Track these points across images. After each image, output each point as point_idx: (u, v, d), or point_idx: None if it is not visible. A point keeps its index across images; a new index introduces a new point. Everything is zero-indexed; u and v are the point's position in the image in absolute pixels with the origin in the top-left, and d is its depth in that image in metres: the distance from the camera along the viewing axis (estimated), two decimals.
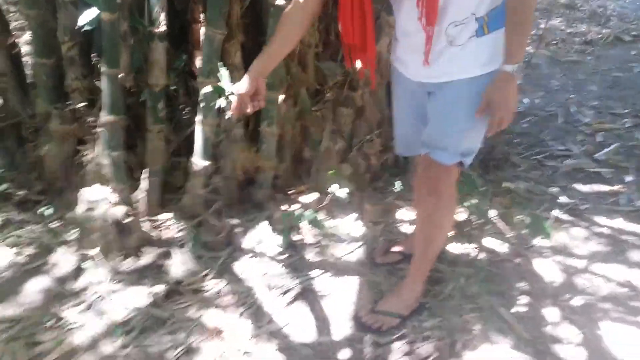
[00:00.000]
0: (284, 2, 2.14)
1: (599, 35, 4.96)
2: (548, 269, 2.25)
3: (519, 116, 3.55)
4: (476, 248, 2.34)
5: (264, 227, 2.35)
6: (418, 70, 1.72)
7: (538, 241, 2.39)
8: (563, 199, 2.71)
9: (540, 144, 3.24)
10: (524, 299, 2.09)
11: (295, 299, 2.08)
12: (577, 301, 2.08)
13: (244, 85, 1.73)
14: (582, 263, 2.30)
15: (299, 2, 1.66)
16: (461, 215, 2.48)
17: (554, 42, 4.83)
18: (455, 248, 2.34)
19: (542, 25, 4.92)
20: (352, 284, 2.15)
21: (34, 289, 2.10)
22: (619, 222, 2.56)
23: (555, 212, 2.59)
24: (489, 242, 2.38)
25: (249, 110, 1.74)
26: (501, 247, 2.36)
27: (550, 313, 2.03)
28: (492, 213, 2.52)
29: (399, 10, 1.68)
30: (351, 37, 1.71)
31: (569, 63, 4.41)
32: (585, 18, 5.40)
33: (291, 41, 1.75)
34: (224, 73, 2.14)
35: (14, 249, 2.27)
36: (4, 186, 2.45)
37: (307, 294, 2.10)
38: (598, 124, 3.48)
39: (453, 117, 1.68)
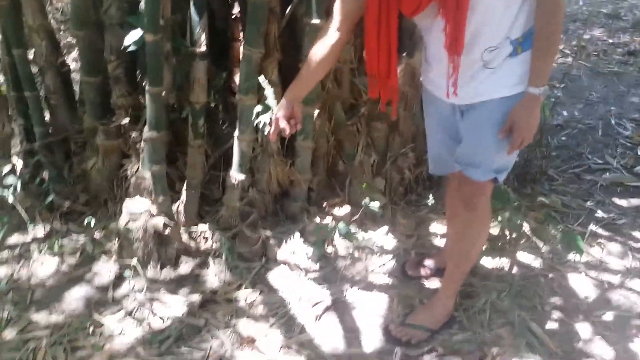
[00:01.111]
0: (319, 21, 2.20)
1: None
2: (582, 285, 2.24)
3: (557, 129, 3.52)
4: (509, 262, 2.34)
5: (297, 239, 2.40)
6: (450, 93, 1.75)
7: (573, 256, 2.37)
8: (600, 213, 2.68)
9: (579, 157, 3.20)
10: (556, 314, 2.08)
11: (327, 310, 2.13)
12: (610, 317, 2.07)
13: (280, 109, 1.80)
14: (617, 279, 2.27)
15: (331, 31, 1.71)
16: (494, 229, 2.48)
17: (595, 53, 4.75)
18: (488, 262, 2.34)
19: (584, 36, 4.87)
20: (383, 296, 2.19)
21: (76, 296, 2.21)
22: None
23: (592, 227, 2.56)
24: (522, 256, 2.38)
25: (286, 132, 1.81)
26: (534, 261, 2.36)
27: (583, 329, 2.02)
28: (527, 227, 2.51)
29: (429, 34, 1.69)
30: (376, 68, 1.74)
31: (610, 74, 4.33)
32: (629, 28, 5.29)
33: (323, 68, 1.80)
34: (269, 91, 2.22)
35: (58, 258, 2.39)
36: (51, 197, 2.58)
37: (339, 306, 2.15)
38: (638, 137, 3.41)
39: (486, 136, 1.70)
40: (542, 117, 3.01)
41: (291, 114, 1.82)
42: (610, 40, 4.97)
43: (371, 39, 1.68)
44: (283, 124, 1.79)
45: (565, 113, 3.73)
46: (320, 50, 1.74)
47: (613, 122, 3.61)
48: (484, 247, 2.26)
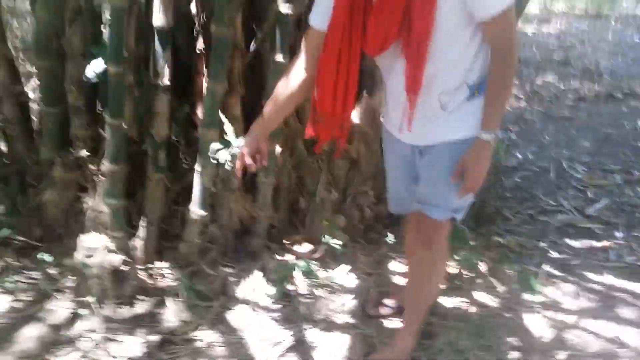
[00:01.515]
0: (283, 59, 2.24)
1: (592, 92, 5.09)
2: (538, 324, 2.28)
3: (512, 170, 3.62)
4: (467, 302, 2.37)
5: (257, 276, 2.38)
6: (407, 133, 1.75)
7: (529, 296, 2.42)
8: (554, 253, 2.76)
9: (532, 199, 3.30)
10: (513, 354, 2.10)
11: (288, 351, 2.09)
12: (564, 356, 2.10)
13: (246, 145, 1.80)
14: (572, 318, 2.32)
15: (298, 67, 1.72)
16: (452, 268, 2.51)
17: (548, 98, 4.95)
18: (446, 301, 2.36)
19: (537, 82, 5.08)
20: (344, 336, 2.17)
21: (29, 335, 2.11)
22: (609, 278, 2.60)
23: (546, 267, 2.63)
24: (480, 295, 2.42)
25: (252, 168, 1.80)
26: (492, 301, 2.39)
27: None
28: (483, 267, 2.56)
29: (389, 74, 1.71)
30: (330, 107, 1.71)
31: (562, 119, 4.52)
32: (578, 75, 5.55)
33: (290, 105, 1.81)
34: (229, 126, 2.22)
35: (11, 295, 2.29)
36: (4, 231, 2.49)
37: (300, 346, 2.12)
38: (589, 180, 3.55)
39: (442, 177, 1.72)
40: (497, 158, 3.13)
41: (257, 150, 1.82)
42: (562, 86, 5.19)
43: (328, 76, 1.66)
44: (249, 160, 1.79)
45: (519, 155, 3.85)
46: (287, 86, 1.75)
47: (565, 165, 3.75)
48: (442, 286, 2.28)
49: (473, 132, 1.65)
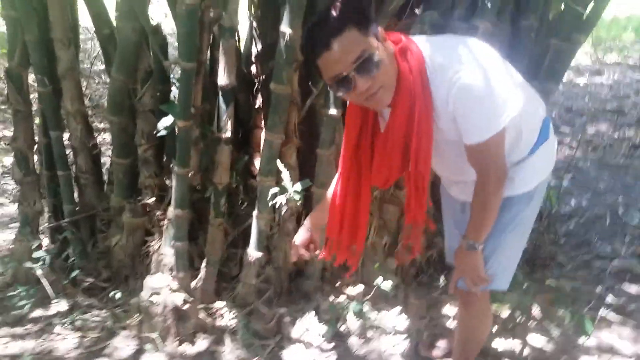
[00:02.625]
0: (336, 112, 2.37)
1: None
2: None
3: (566, 217, 3.60)
4: (520, 344, 2.36)
5: (311, 316, 2.46)
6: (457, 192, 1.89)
7: (584, 340, 2.39)
8: (610, 298, 2.71)
9: (587, 245, 3.26)
10: None
11: None
12: None
13: (299, 236, 1.92)
14: None
15: None
16: (504, 311, 2.51)
17: (602, 146, 4.91)
18: (499, 343, 2.36)
19: (589, 130, 5.06)
20: None
21: None
22: None
23: (602, 312, 2.59)
24: (533, 338, 2.40)
25: (305, 257, 1.93)
26: (546, 344, 2.38)
27: None
28: (537, 310, 2.54)
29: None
30: (336, 233, 1.81)
31: (617, 167, 4.46)
32: (633, 123, 5.48)
33: None
34: (285, 174, 2.37)
35: (79, 332, 2.45)
36: (75, 273, 2.68)
37: None
38: None
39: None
40: (550, 205, 3.14)
41: (310, 240, 1.92)
42: (616, 135, 5.14)
43: (337, 205, 1.78)
44: (302, 250, 1.91)
45: (573, 202, 3.82)
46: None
47: (620, 211, 3.70)
48: (488, 333, 2.18)
49: (509, 192, 1.69)
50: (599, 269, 3.00)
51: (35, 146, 2.81)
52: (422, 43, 1.54)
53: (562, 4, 2.39)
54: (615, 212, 3.70)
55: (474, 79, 1.44)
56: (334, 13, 1.41)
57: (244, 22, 2.65)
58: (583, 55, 7.46)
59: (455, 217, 1.95)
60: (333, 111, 2.38)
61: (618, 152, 4.78)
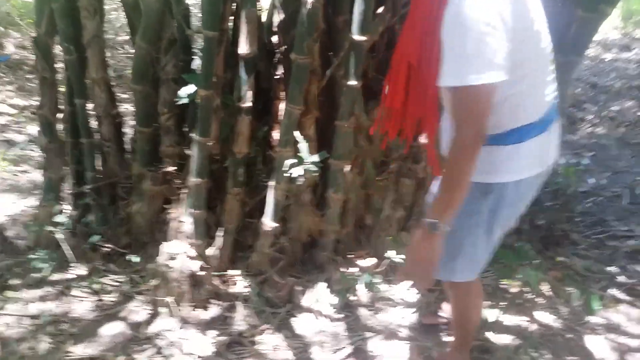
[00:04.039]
0: (356, 83, 2.39)
1: None
2: (600, 347, 2.28)
3: (584, 195, 3.59)
4: (528, 320, 2.40)
5: (322, 287, 2.52)
6: None
7: (592, 318, 2.42)
8: (622, 278, 2.73)
9: (603, 224, 3.26)
10: None
11: (348, 357, 2.21)
12: None
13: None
14: (636, 343, 2.30)
15: None
16: (514, 286, 2.55)
17: (626, 123, 4.84)
18: (506, 319, 2.41)
19: (614, 107, 4.98)
20: (402, 347, 2.27)
21: (112, 332, 2.34)
22: None
23: (612, 291, 2.61)
24: (541, 315, 2.44)
25: None
26: (553, 320, 2.41)
27: None
28: (546, 287, 2.58)
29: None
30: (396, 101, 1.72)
31: (639, 145, 4.41)
32: None
33: None
34: (303, 145, 2.40)
35: (97, 296, 2.55)
36: (95, 238, 2.76)
37: (359, 354, 2.23)
38: None
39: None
40: (568, 183, 3.13)
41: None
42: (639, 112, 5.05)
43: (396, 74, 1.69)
44: None
45: (592, 181, 3.80)
46: None
47: (638, 191, 3.67)
48: (479, 312, 2.14)
49: (485, 179, 1.60)
50: (613, 249, 3.00)
51: (61, 114, 2.88)
52: None
53: None
54: (633, 191, 3.68)
55: (475, 16, 1.34)
56: None
57: None
58: (612, 30, 7.27)
59: None
60: (353, 82, 2.38)
61: None
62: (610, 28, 7.20)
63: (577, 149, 4.22)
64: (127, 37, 4.79)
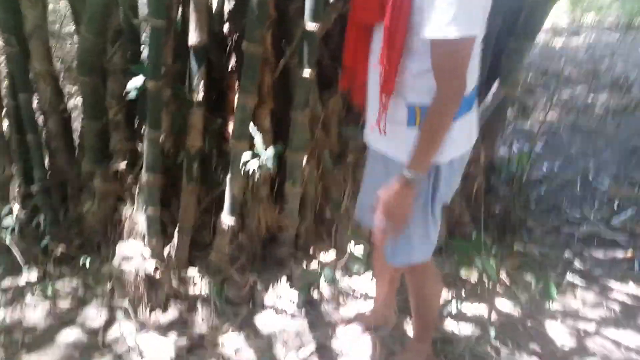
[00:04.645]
0: (310, 72, 2.34)
1: (620, 105, 5.06)
2: (559, 332, 2.32)
3: (537, 183, 3.65)
4: (487, 309, 2.42)
5: (284, 284, 2.48)
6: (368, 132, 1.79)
7: (549, 304, 2.46)
8: (577, 264, 2.79)
9: (557, 211, 3.33)
10: None
11: (311, 354, 2.18)
12: None
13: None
14: (593, 327, 2.36)
15: None
16: (472, 275, 2.57)
17: (575, 110, 4.95)
18: (467, 308, 2.42)
19: (564, 93, 5.09)
20: (366, 341, 2.25)
21: (68, 340, 2.25)
22: (633, 288, 2.62)
23: (568, 277, 2.66)
24: (500, 303, 2.47)
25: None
26: (513, 309, 2.45)
27: None
28: (504, 275, 2.61)
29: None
30: (349, 60, 1.74)
31: (590, 131, 4.52)
32: (608, 86, 5.52)
33: None
34: (258, 138, 2.34)
35: (50, 301, 2.45)
36: (46, 241, 2.64)
37: (323, 351, 2.21)
38: (615, 192, 3.55)
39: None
40: (520, 170, 3.18)
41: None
42: (590, 99, 5.18)
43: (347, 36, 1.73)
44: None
45: (545, 168, 3.88)
46: None
47: (591, 177, 3.76)
48: (438, 298, 2.11)
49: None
50: (568, 235, 3.07)
51: (4, 110, 2.73)
52: None
53: None
54: (586, 177, 3.77)
55: None
56: None
57: None
58: (561, 15, 7.43)
59: (376, 176, 1.82)
60: (307, 72, 2.33)
61: (591, 117, 4.83)
62: (559, 13, 7.35)
63: (529, 136, 4.29)
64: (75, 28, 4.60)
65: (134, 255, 2.34)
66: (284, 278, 2.51)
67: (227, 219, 2.48)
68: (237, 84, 2.53)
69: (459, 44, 1.39)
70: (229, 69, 2.63)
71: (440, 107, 1.48)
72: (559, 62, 6.13)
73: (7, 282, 2.55)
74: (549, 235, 3.07)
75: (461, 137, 1.65)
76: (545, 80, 5.60)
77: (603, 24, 7.52)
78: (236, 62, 2.59)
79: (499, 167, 3.27)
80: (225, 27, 2.68)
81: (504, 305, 2.47)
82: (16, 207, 2.83)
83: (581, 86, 5.52)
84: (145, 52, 2.56)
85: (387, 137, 1.67)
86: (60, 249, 2.65)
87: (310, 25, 2.27)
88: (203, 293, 2.45)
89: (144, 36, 2.62)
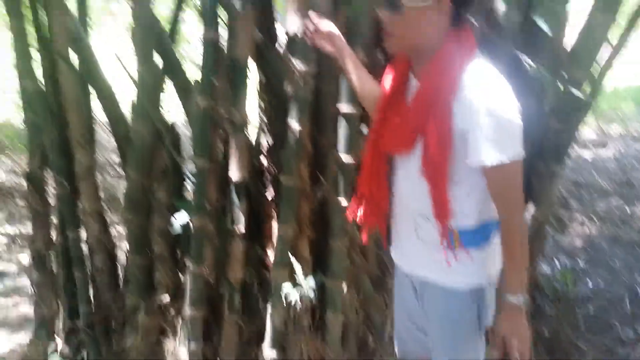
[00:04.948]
0: (346, 202, 2.40)
1: None
2: None
3: (584, 300, 3.54)
4: None
5: None
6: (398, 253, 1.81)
7: None
8: None
9: (609, 329, 3.20)
10: None
11: None
12: None
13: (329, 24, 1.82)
14: None
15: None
16: None
17: (615, 222, 4.90)
18: None
19: (600, 205, 5.07)
20: None
21: None
22: None
23: None
24: None
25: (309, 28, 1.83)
26: None
27: None
28: None
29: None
30: (367, 188, 1.76)
31: (631, 242, 4.43)
32: None
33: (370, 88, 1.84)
34: (298, 268, 2.37)
35: None
36: None
37: None
38: None
39: (437, 330, 1.71)
40: (565, 288, 3.10)
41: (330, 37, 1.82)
42: (627, 209, 5.13)
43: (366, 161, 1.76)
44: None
45: (590, 284, 3.77)
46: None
47: None
48: None
49: (456, 284, 1.63)
50: (623, 356, 2.92)
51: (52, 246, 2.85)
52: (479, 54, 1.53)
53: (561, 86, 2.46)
54: (634, 292, 3.64)
55: (506, 101, 1.46)
56: None
57: (254, 115, 2.73)
58: (586, 128, 7.56)
59: (409, 305, 1.82)
60: (343, 200, 2.40)
61: (631, 227, 4.76)
62: (584, 126, 7.48)
63: (571, 251, 4.22)
64: (118, 159, 4.89)
65: None
66: None
67: (268, 353, 2.45)
68: (275, 213, 2.61)
69: (512, 166, 1.47)
70: (268, 200, 2.73)
71: (513, 226, 1.54)
72: (591, 174, 6.16)
73: None
74: (603, 356, 2.92)
75: (499, 256, 1.63)
76: (578, 193, 5.59)
77: (630, 135, 7.62)
78: (275, 192, 2.69)
79: (543, 285, 3.21)
80: (264, 160, 2.81)
81: None
82: (60, 342, 2.85)
83: (616, 197, 5.50)
84: (189, 186, 2.69)
85: (424, 261, 1.67)
86: None
87: (345, 157, 2.38)
88: None
89: (188, 171, 2.75)
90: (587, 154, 6.85)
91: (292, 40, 2.32)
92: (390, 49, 1.57)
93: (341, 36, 1.83)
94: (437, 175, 1.51)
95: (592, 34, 2.38)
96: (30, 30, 2.64)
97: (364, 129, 2.51)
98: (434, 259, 1.63)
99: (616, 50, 2.42)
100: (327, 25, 1.81)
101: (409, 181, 1.64)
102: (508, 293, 1.56)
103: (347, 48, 1.83)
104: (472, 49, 1.51)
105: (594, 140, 7.34)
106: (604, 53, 2.41)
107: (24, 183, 2.93)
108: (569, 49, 2.49)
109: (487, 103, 1.43)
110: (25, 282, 3.81)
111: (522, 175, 1.53)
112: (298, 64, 2.24)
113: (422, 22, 1.48)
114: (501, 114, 1.43)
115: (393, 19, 1.49)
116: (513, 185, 1.51)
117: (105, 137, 6.37)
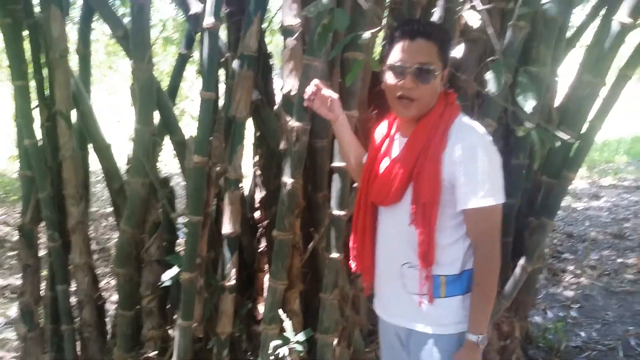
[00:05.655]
0: (338, 255, 2.41)
1: None
2: None
3: (577, 351, 3.51)
4: None
5: None
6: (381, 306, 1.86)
7: None
8: None
9: None
10: None
11: None
12: None
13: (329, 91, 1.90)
14: None
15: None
16: None
17: (606, 272, 4.90)
18: None
19: (593, 256, 5.07)
20: None
21: None
22: None
23: None
24: None
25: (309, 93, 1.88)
26: None
27: None
28: None
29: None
30: (353, 242, 1.89)
31: (624, 293, 4.42)
32: (636, 247, 5.50)
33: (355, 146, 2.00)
34: (287, 324, 2.36)
35: None
36: None
37: None
38: None
39: None
40: (559, 338, 3.08)
41: (330, 98, 1.89)
42: (619, 260, 5.14)
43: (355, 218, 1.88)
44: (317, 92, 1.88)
45: (583, 334, 3.75)
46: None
47: (633, 342, 3.61)
48: None
49: (440, 331, 1.68)
50: None
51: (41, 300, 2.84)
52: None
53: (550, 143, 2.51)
54: (627, 343, 3.62)
55: (489, 152, 1.62)
56: (431, 26, 1.71)
57: (248, 171, 2.77)
58: (579, 180, 7.65)
59: (395, 354, 1.85)
60: (335, 254, 2.41)
61: (623, 279, 4.76)
62: (577, 178, 7.58)
63: (563, 302, 4.21)
64: (111, 209, 4.92)
65: None
66: None
67: None
68: (266, 266, 2.61)
69: (495, 209, 1.60)
70: (259, 252, 2.74)
71: (488, 267, 1.63)
72: (583, 225, 6.20)
73: None
74: None
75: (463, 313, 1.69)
76: (571, 244, 5.61)
77: (622, 185, 7.70)
78: (266, 245, 2.70)
79: (535, 337, 3.19)
80: (256, 214, 2.84)
81: None
82: None
83: (609, 249, 5.52)
84: (179, 240, 2.71)
85: (410, 310, 1.72)
86: None
87: (337, 212, 2.41)
88: None
89: (179, 226, 2.77)
90: (580, 206, 6.91)
91: (287, 98, 2.38)
92: (410, 113, 1.68)
93: (339, 103, 1.93)
94: (426, 219, 1.62)
95: (582, 91, 2.47)
96: (32, 86, 2.71)
97: (355, 184, 2.56)
98: (420, 308, 1.68)
99: (605, 104, 2.49)
100: (328, 92, 1.90)
101: (396, 230, 1.73)
102: (471, 333, 1.63)
103: (343, 114, 1.95)
104: (457, 108, 1.71)
105: (587, 192, 7.42)
106: (594, 107, 2.48)
107: (15, 234, 2.94)
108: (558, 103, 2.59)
109: (472, 154, 1.59)
110: (11, 334, 3.77)
111: (500, 220, 1.64)
112: (293, 121, 2.29)
113: (437, 87, 1.67)
114: (484, 164, 1.59)
115: (423, 88, 1.63)
116: (494, 227, 1.63)
117: (99, 188, 6.46)
